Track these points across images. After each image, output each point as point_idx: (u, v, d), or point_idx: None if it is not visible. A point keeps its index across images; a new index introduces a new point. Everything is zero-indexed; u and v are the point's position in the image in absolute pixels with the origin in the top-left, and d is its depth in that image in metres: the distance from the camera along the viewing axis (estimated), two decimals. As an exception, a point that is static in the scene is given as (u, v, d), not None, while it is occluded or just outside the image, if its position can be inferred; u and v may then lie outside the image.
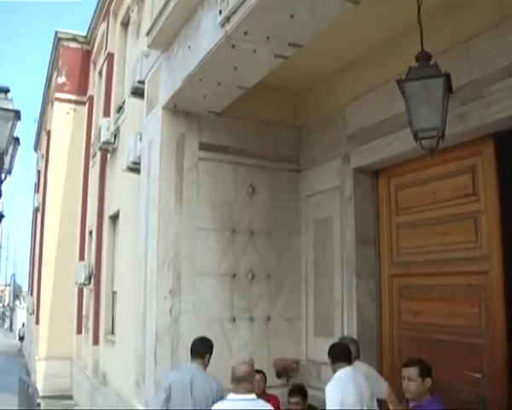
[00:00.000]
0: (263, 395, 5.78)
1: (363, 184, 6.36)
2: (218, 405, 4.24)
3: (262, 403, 4.28)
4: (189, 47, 5.64)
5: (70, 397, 14.98)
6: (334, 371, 4.71)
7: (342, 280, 6.35)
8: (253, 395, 4.18)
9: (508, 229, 4.77)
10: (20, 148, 7.63)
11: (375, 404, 4.73)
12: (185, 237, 6.46)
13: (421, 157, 4.81)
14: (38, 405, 7.26)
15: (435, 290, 5.43)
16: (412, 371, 4.03)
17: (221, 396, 4.65)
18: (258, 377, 5.89)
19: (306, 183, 7.22)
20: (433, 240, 5.50)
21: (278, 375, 6.82)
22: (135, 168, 7.91)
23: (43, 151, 21.03)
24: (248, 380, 4.22)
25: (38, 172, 24.81)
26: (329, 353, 4.83)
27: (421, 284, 5.67)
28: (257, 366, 6.21)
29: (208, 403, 4.38)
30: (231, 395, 4.24)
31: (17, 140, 7.37)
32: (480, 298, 4.94)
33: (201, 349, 5.13)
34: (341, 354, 4.76)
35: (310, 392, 5.70)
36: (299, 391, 5.59)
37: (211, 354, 5.17)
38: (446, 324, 5.25)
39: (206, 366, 5.09)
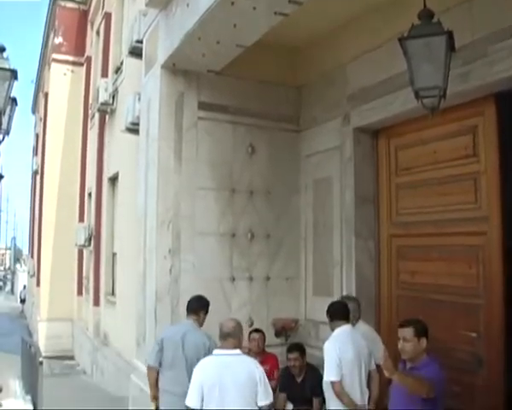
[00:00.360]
0: (262, 353, 5.86)
1: (363, 144, 6.32)
2: (203, 360, 4.31)
3: (247, 358, 4.35)
4: (188, 5, 5.54)
5: (72, 357, 15.24)
6: (333, 330, 4.77)
7: (341, 240, 6.37)
8: (238, 351, 4.25)
9: (507, 190, 4.76)
10: (17, 109, 7.57)
11: (373, 362, 4.78)
12: (185, 196, 6.45)
13: (422, 117, 4.78)
14: (41, 363, 7.34)
15: (434, 251, 5.45)
16: (408, 332, 3.99)
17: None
18: (257, 336, 5.99)
19: (306, 143, 7.18)
20: (433, 200, 5.49)
21: (277, 334, 6.89)
22: (134, 129, 7.87)
23: (41, 114, 20.90)
24: (234, 336, 4.28)
25: (37, 135, 24.72)
26: (328, 311, 4.88)
27: (419, 244, 5.68)
28: (256, 325, 6.32)
29: (200, 358, 4.46)
30: (217, 351, 4.32)
31: (14, 100, 7.29)
32: (479, 259, 4.95)
33: (196, 306, 5.20)
34: (340, 312, 4.81)
35: (308, 351, 5.78)
36: (298, 348, 5.70)
37: (206, 311, 5.24)
38: (444, 284, 5.27)
39: (200, 323, 5.17)
